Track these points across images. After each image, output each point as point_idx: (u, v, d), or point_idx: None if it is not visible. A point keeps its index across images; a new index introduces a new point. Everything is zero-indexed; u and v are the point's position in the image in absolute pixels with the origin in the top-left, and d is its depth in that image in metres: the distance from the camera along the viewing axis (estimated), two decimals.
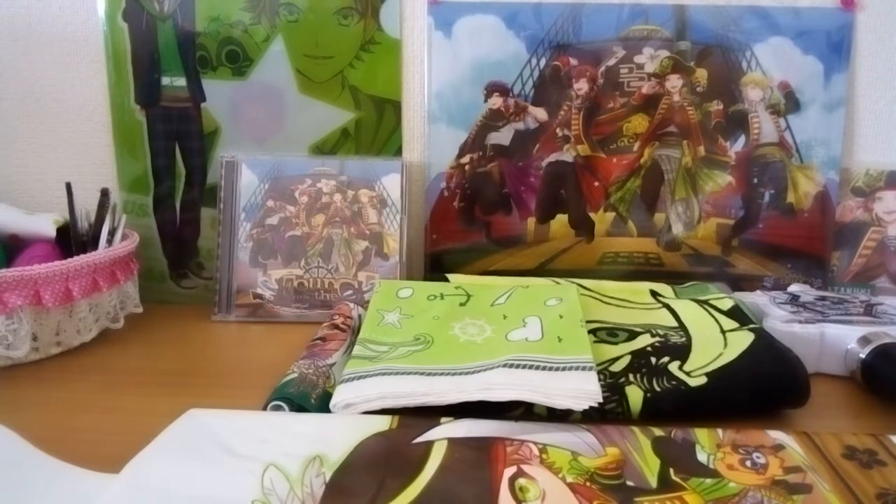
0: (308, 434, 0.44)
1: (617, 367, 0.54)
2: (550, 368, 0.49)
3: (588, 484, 0.39)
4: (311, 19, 0.78)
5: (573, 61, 0.78)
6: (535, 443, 0.43)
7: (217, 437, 0.43)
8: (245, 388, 0.55)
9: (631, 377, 0.52)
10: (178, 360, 0.65)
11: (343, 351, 0.58)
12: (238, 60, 0.79)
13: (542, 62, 0.78)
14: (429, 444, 0.43)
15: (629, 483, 0.40)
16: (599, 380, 0.49)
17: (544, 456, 0.42)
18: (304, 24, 0.78)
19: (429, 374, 0.50)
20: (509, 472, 0.40)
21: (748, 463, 0.42)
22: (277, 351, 0.65)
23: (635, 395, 0.50)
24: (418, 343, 0.56)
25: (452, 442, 0.43)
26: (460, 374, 0.50)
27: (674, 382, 0.51)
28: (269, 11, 0.78)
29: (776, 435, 0.45)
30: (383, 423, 0.45)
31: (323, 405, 0.49)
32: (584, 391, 0.46)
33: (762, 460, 0.42)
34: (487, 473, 0.40)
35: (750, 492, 0.39)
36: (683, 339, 0.59)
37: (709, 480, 0.40)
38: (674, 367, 0.54)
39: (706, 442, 0.44)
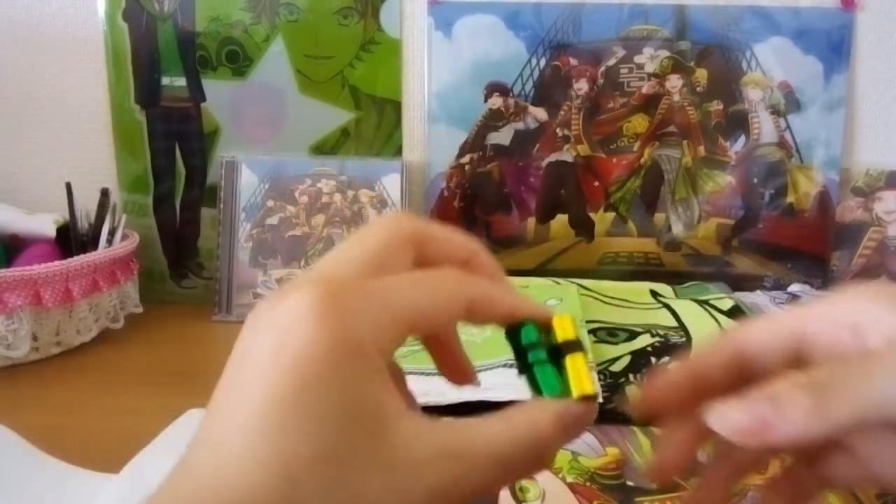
0: None
1: (617, 367, 0.54)
2: None
3: (588, 484, 0.39)
4: (311, 19, 0.78)
5: (573, 61, 0.78)
6: None
7: None
8: None
9: (631, 377, 0.52)
10: (178, 360, 0.65)
11: None
12: (238, 60, 0.79)
13: (542, 62, 0.78)
14: None
15: (629, 483, 0.40)
16: (599, 380, 0.49)
17: None
18: (304, 24, 0.78)
19: (428, 374, 0.50)
20: None
21: None
22: None
23: (635, 396, 0.50)
24: (418, 343, 0.55)
25: None
26: None
27: None
28: (269, 11, 0.78)
29: None
30: None
31: None
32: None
33: None
34: None
35: (750, 492, 0.39)
36: (683, 339, 0.59)
37: None
38: None
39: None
